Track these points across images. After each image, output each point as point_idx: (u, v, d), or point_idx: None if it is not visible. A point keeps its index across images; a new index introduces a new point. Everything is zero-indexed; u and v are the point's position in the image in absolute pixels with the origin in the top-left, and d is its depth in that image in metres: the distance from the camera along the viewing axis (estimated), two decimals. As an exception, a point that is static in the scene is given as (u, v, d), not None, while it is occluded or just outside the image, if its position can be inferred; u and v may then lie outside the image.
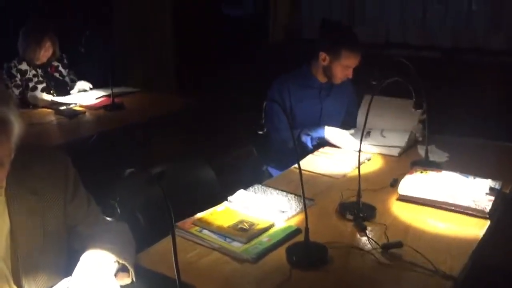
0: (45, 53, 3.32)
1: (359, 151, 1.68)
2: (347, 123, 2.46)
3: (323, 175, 2.02)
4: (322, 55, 2.31)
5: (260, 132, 1.66)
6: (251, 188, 1.90)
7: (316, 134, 2.32)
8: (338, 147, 2.30)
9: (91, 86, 3.43)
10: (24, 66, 3.28)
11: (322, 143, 2.34)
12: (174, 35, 5.02)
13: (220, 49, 4.80)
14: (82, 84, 3.40)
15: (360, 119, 2.32)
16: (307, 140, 2.33)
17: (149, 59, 5.06)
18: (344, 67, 2.28)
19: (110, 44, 4.71)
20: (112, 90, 3.09)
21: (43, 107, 3.16)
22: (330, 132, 2.31)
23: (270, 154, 2.50)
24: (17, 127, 1.14)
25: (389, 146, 2.22)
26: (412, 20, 3.99)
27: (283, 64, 4.42)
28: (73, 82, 3.50)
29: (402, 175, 1.90)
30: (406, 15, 4.01)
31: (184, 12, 4.96)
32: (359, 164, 1.65)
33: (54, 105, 3.13)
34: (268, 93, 2.43)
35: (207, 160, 2.27)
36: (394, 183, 1.88)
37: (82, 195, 1.44)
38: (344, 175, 2.02)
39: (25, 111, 3.06)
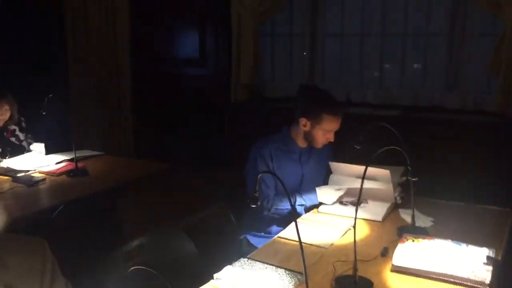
0: (1, 116, 3.15)
1: (355, 226, 1.63)
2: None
3: (311, 244, 1.94)
4: (303, 120, 2.29)
5: (254, 206, 1.59)
6: (237, 263, 1.80)
7: (310, 202, 2.28)
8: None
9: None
10: (-22, 131, 3.09)
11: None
12: (133, 96, 4.94)
13: (181, 109, 4.75)
14: (37, 146, 3.21)
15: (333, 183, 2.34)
16: (301, 210, 2.28)
17: (107, 122, 4.94)
18: (325, 131, 2.27)
19: (68, 107, 4.59)
20: (75, 154, 2.94)
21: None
22: (323, 195, 2.27)
23: (249, 222, 2.41)
24: None
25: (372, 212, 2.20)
26: (371, 80, 4.13)
27: (246, 123, 4.46)
28: (30, 146, 3.32)
29: (392, 243, 1.87)
30: (366, 75, 4.15)
31: (143, 72, 4.92)
32: (355, 238, 1.59)
33: (10, 171, 2.93)
34: (249, 158, 2.37)
35: (184, 230, 2.17)
36: (385, 253, 1.83)
37: (60, 285, 1.30)
38: (332, 244, 1.96)
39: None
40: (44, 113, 2.93)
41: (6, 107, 3.16)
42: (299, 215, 2.28)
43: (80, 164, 2.98)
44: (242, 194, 2.51)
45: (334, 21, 4.24)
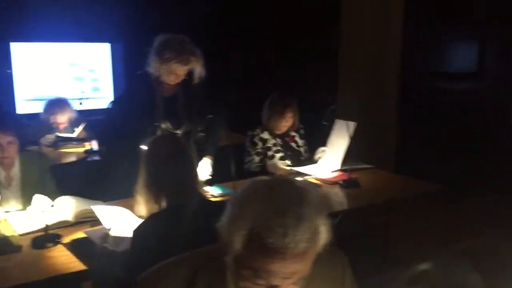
0: (285, 123, 3.45)
1: None
2: None
3: None
4: None
5: None
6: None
7: None
8: None
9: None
10: (265, 135, 3.45)
11: None
12: (399, 110, 4.85)
13: (450, 126, 4.45)
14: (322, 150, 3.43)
15: None
16: None
17: (370, 134, 4.95)
18: None
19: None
20: (350, 165, 3.03)
21: (280, 175, 3.25)
22: None
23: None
24: (323, 238, 1.06)
25: None
26: None
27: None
28: (305, 152, 3.57)
29: None
30: None
31: (410, 85, 4.78)
32: None
33: (291, 174, 3.19)
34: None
35: (467, 258, 1.99)
36: None
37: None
38: None
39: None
40: (326, 124, 3.10)
41: (291, 115, 3.45)
42: None
43: (352, 175, 3.06)
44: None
45: None
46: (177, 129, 2.87)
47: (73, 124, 4.32)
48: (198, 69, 2.78)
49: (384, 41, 4.84)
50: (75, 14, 5.31)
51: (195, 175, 1.93)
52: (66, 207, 2.40)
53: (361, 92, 5.03)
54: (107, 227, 2.09)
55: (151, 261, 1.76)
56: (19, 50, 5.34)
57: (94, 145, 3.98)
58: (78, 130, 4.20)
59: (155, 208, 1.88)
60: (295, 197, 1.04)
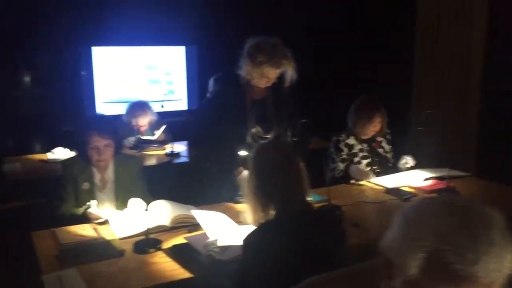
0: (373, 128, 3.31)
1: None
2: None
3: None
4: None
5: None
6: None
7: None
8: None
9: (414, 163, 3.25)
10: (351, 141, 3.33)
11: None
12: (480, 116, 4.55)
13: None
14: (408, 160, 3.26)
15: None
16: None
17: (450, 139, 4.68)
18: None
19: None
20: (447, 173, 2.85)
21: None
22: None
23: None
24: (510, 267, 0.91)
25: None
26: None
27: None
28: (392, 158, 3.42)
29: None
30: None
31: (493, 90, 4.48)
32: None
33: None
34: None
35: None
36: None
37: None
38: None
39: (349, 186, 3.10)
40: (419, 129, 2.94)
41: (379, 119, 3.30)
42: None
43: (450, 184, 2.87)
44: None
45: None
46: (267, 133, 2.81)
47: (153, 127, 4.37)
48: (290, 72, 2.70)
49: (465, 44, 4.57)
50: (151, 18, 5.41)
51: (304, 182, 1.84)
52: (162, 212, 2.38)
53: (440, 97, 4.77)
54: (211, 235, 2.05)
55: (260, 272, 1.70)
56: (99, 54, 5.50)
57: (174, 147, 4.01)
58: (158, 133, 4.25)
59: (262, 217, 1.81)
60: (484, 219, 0.92)
